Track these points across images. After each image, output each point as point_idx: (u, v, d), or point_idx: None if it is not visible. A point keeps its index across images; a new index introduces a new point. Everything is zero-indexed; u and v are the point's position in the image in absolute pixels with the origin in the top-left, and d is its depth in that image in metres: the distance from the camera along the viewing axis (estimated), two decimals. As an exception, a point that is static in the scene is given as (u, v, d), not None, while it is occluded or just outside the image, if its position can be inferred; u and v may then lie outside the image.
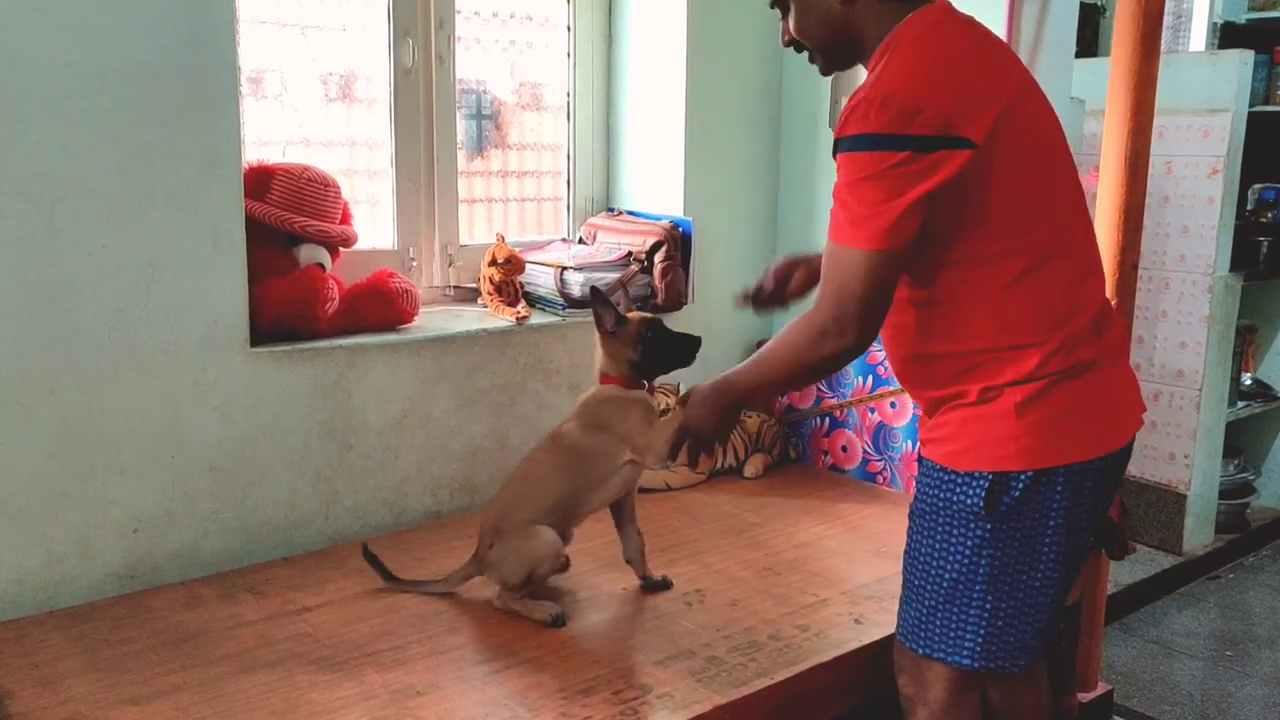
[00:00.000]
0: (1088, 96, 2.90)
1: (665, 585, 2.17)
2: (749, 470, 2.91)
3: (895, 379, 1.80)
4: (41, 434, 2.01)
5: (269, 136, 2.54)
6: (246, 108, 2.46)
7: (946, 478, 1.58)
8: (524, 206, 3.05)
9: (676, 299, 2.89)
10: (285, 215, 2.35)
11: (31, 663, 1.82)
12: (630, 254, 2.86)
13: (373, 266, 2.57)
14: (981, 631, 1.59)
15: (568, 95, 3.04)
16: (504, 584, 2.02)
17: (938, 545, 1.60)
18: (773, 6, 1.65)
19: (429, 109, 2.72)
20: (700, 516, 2.60)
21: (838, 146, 1.49)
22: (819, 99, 3.00)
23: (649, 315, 2.10)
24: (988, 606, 1.58)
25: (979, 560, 1.56)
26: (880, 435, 2.87)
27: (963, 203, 1.48)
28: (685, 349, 2.08)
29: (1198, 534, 3.63)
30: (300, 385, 2.32)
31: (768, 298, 2.01)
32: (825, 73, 1.69)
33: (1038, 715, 1.91)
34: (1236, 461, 3.85)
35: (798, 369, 1.62)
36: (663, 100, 2.95)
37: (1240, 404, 3.80)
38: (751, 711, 1.77)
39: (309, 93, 2.60)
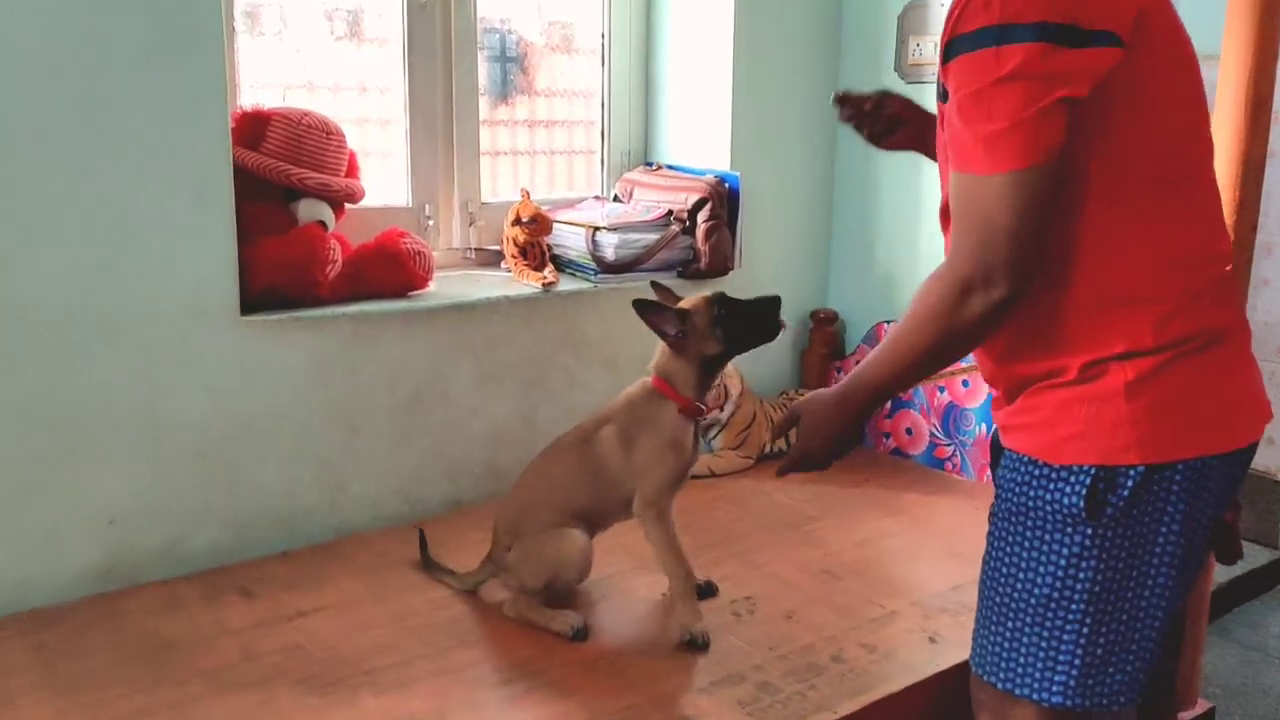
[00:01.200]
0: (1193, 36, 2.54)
1: (710, 592, 1.89)
2: None
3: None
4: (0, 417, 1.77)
5: (268, 79, 2.27)
6: (242, 46, 2.20)
7: (1038, 472, 1.28)
8: (553, 160, 2.76)
9: (722, 263, 2.59)
10: (281, 166, 2.08)
11: (-17, 678, 1.59)
12: (670, 213, 2.56)
13: (383, 225, 2.30)
14: (1078, 662, 1.30)
15: (602, 36, 2.73)
16: (522, 589, 1.76)
17: (1025, 556, 1.31)
18: None
19: (447, 50, 2.43)
20: (749, 508, 2.32)
21: (951, 50, 1.20)
22: (883, 38, 2.67)
23: (710, 294, 1.79)
24: (1085, 631, 1.29)
25: (1077, 574, 1.27)
26: (950, 417, 2.57)
27: (1098, 119, 1.18)
28: (766, 316, 1.76)
29: (1296, 525, 3.28)
30: (298, 359, 2.06)
31: (862, 113, 1.71)
32: None
33: None
34: (1339, 445, 3.48)
35: (942, 340, 1.28)
36: (708, 42, 2.63)
37: (1345, 382, 3.43)
38: (812, 753, 1.49)
39: (312, 30, 2.32)
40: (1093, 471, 1.24)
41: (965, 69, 1.18)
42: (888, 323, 2.67)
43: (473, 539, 2.07)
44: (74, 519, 1.86)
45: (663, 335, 1.74)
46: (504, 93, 2.65)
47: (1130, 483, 1.24)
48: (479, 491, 2.32)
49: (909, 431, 2.68)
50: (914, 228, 2.67)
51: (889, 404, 2.72)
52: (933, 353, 1.32)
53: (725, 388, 2.56)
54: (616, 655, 1.69)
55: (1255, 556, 3.23)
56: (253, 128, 2.10)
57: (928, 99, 2.59)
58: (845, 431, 1.46)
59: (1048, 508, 1.28)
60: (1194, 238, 1.27)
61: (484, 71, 2.54)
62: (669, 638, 1.73)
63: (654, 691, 1.58)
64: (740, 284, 2.67)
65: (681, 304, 1.79)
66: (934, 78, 2.66)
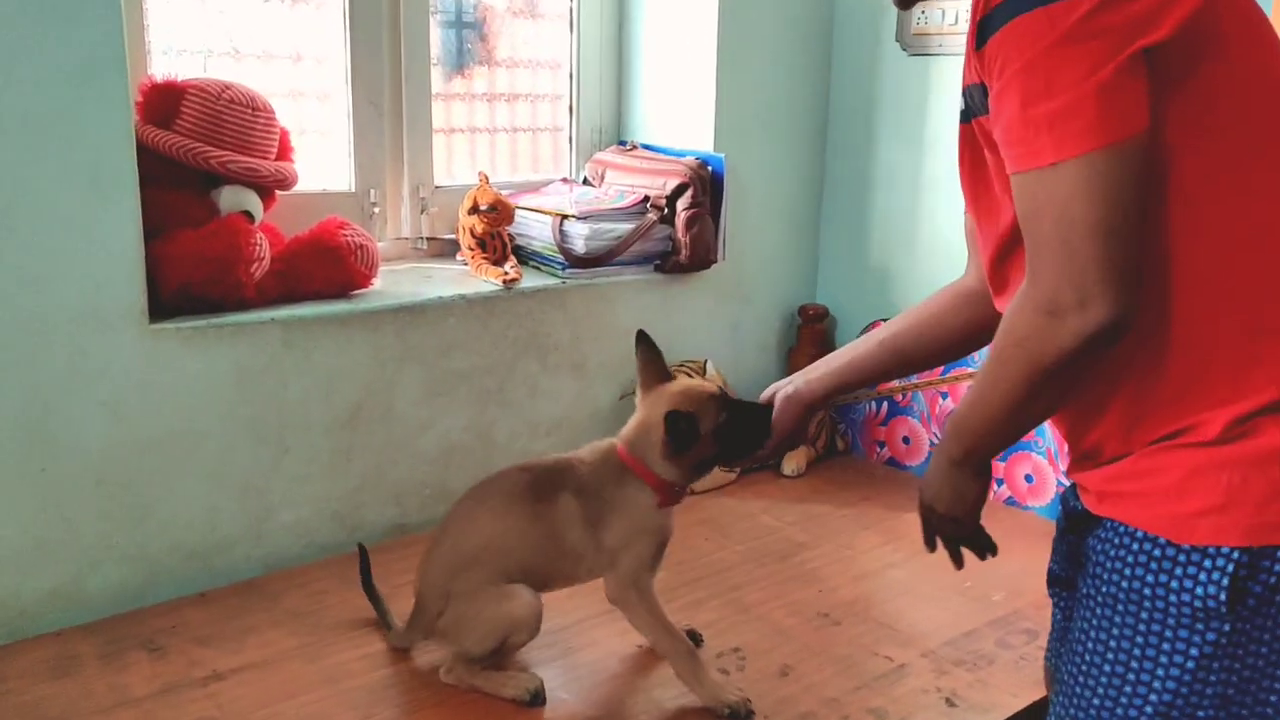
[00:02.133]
0: None
1: (695, 642, 1.65)
2: (789, 466, 2.38)
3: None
4: None
5: (184, 45, 1.97)
6: (152, 5, 1.90)
7: (1160, 554, 1.02)
8: (516, 138, 2.48)
9: (704, 255, 2.33)
10: (198, 147, 1.79)
11: None
12: (647, 199, 2.30)
13: (323, 212, 2.02)
14: None
15: (570, 0, 2.45)
16: (463, 655, 1.50)
17: (1139, 653, 1.04)
18: None
19: (395, 14, 2.14)
20: (732, 533, 2.08)
21: (990, 22, 0.94)
22: (884, 3, 2.41)
23: (711, 390, 1.50)
24: None
25: (1208, 676, 1.01)
26: (953, 427, 2.34)
27: (1184, 69, 0.94)
28: (761, 425, 1.47)
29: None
30: (219, 371, 1.78)
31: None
32: None
33: None
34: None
35: (1031, 385, 1.02)
36: (689, 7, 2.36)
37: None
38: None
39: (238, -12, 2.02)
40: (1235, 555, 0.98)
41: (1008, 41, 0.93)
42: (883, 319, 2.43)
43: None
44: (-54, 563, 1.58)
45: (679, 445, 1.46)
46: (460, 63, 2.36)
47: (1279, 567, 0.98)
48: (427, 515, 2.06)
49: (906, 440, 2.45)
50: (911, 218, 2.42)
51: (884, 408, 2.48)
52: (1024, 400, 1.05)
53: (706, 395, 2.31)
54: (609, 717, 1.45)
55: None
56: (164, 102, 1.81)
57: (931, 72, 2.36)
58: (969, 497, 1.20)
59: (1172, 596, 1.01)
60: None
61: (437, 39, 2.25)
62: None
63: (630, 779, 1.35)
64: (723, 278, 2.42)
65: (679, 397, 1.49)
66: (941, 49, 2.37)
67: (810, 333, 2.61)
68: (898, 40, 2.39)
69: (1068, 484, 1.20)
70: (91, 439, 1.67)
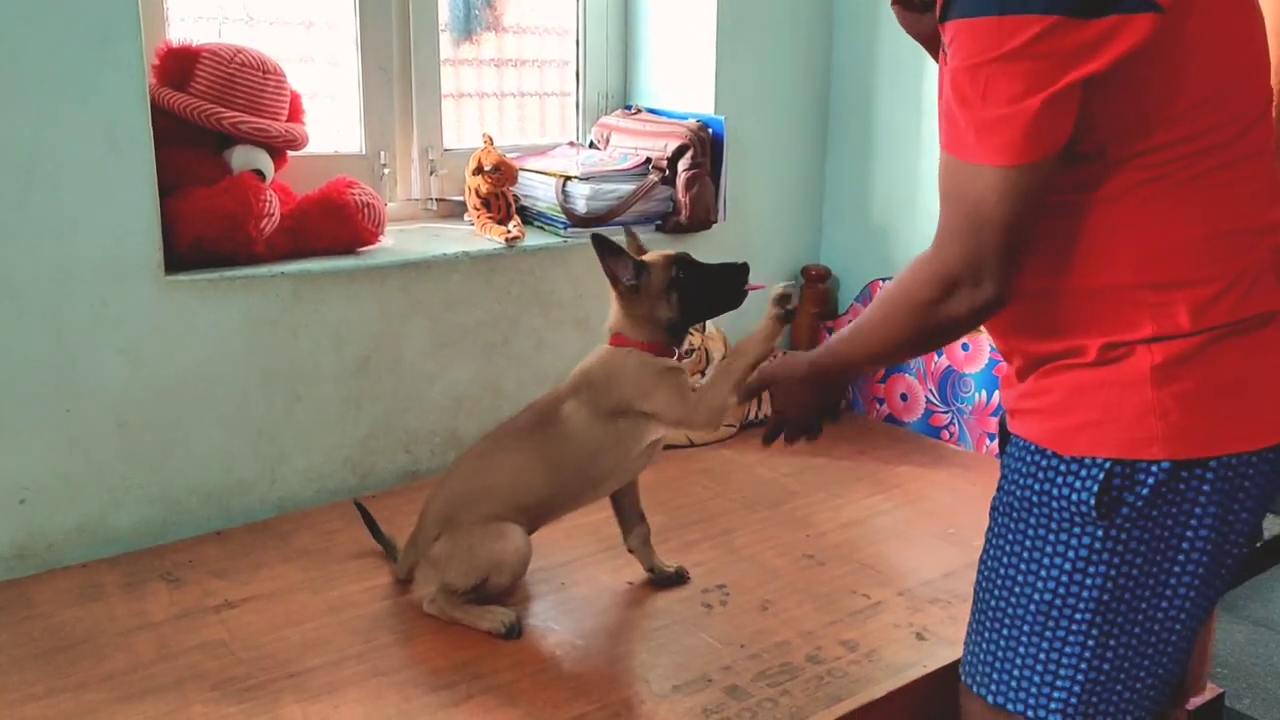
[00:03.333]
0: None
1: (680, 579, 1.73)
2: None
3: None
4: (-112, 385, 1.60)
5: (199, 11, 2.05)
6: (168, -27, 1.98)
7: (1046, 463, 1.12)
8: (523, 103, 2.55)
9: (704, 216, 2.39)
10: (210, 108, 1.88)
11: None
12: (649, 161, 2.36)
13: (335, 174, 2.10)
14: (1080, 677, 1.14)
15: (577, -33, 2.51)
16: (446, 587, 1.59)
17: (1026, 556, 1.15)
18: None
19: (403, -20, 2.21)
20: (729, 483, 2.15)
21: (948, 9, 1.01)
22: (883, -31, 2.45)
23: (673, 253, 1.63)
24: (1090, 644, 1.13)
25: (1084, 579, 1.11)
26: (948, 382, 2.39)
27: (1132, 89, 1.00)
28: (730, 285, 1.59)
29: (1311, 494, 3.12)
30: (232, 321, 1.88)
31: None
32: None
33: None
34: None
35: (919, 335, 1.16)
36: (691, -29, 2.41)
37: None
38: (780, 771, 1.34)
39: (251, -43, 2.10)
40: (1108, 465, 1.07)
41: (962, 37, 1.00)
42: (884, 279, 2.48)
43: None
44: (-20, 498, 1.70)
45: (614, 280, 1.58)
46: (468, 29, 2.43)
47: (1152, 480, 1.07)
48: (437, 462, 2.15)
49: (904, 397, 2.50)
50: (913, 179, 2.47)
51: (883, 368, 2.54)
52: (908, 344, 1.21)
53: (707, 350, 2.38)
54: (570, 655, 1.53)
55: (1268, 526, 3.07)
56: (179, 66, 1.90)
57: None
58: (816, 401, 1.39)
59: (1054, 503, 1.11)
60: (1244, 207, 1.07)
61: (445, 5, 2.32)
62: None
63: (608, 698, 1.42)
64: (725, 238, 2.48)
65: (644, 255, 1.62)
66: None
67: (813, 293, 2.66)
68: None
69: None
70: (113, 384, 1.78)
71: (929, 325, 1.13)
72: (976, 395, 2.33)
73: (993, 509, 1.22)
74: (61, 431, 1.74)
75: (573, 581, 1.73)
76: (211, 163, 1.91)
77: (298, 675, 1.46)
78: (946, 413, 2.40)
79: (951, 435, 2.40)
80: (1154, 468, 1.06)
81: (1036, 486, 1.13)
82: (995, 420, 2.30)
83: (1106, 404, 1.08)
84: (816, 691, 1.45)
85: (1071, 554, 1.11)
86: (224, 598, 1.66)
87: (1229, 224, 1.07)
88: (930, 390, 2.43)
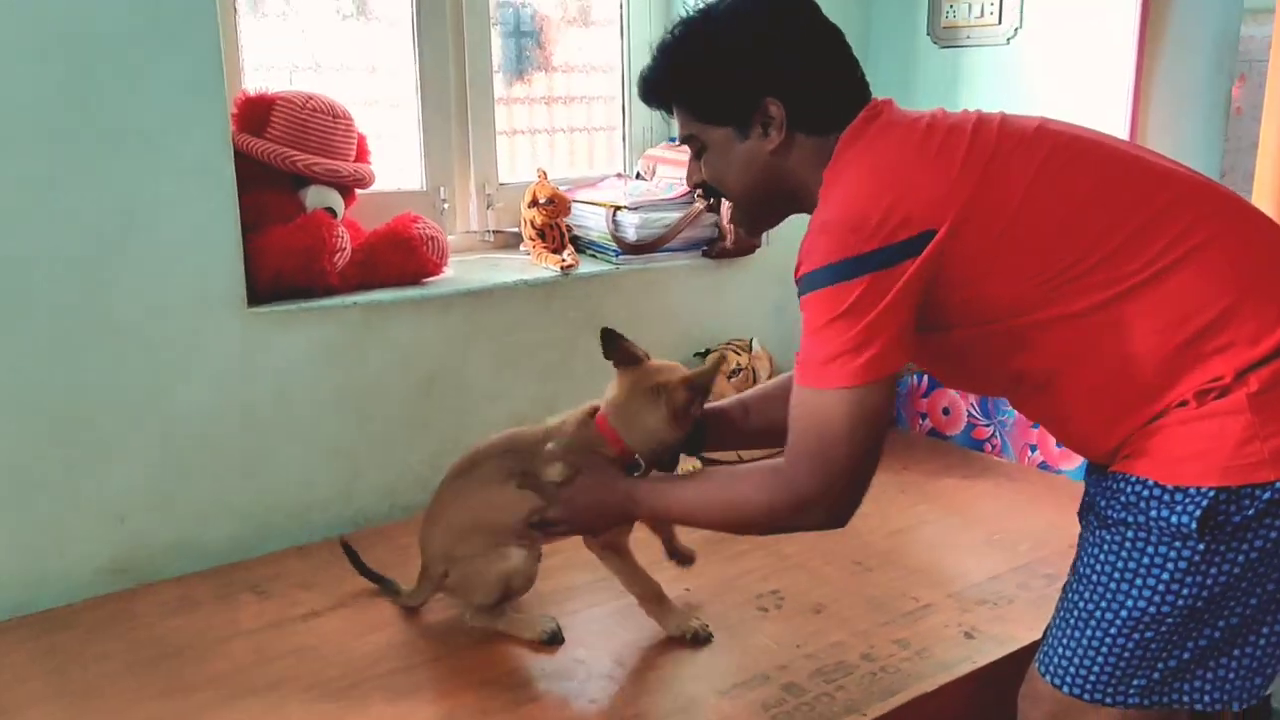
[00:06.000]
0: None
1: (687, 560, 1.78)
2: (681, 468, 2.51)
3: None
4: (3, 413, 1.73)
5: (273, 61, 2.20)
6: (245, 28, 2.13)
7: (1148, 493, 1.18)
8: (573, 138, 2.68)
9: (748, 242, 2.50)
10: (286, 152, 2.02)
11: (-9, 684, 1.57)
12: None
13: (398, 210, 2.23)
14: (1160, 665, 1.21)
15: (620, 7, 2.63)
16: (477, 607, 1.69)
17: (1123, 566, 1.20)
18: (682, 141, 1.42)
19: (459, 26, 2.35)
20: (777, 495, 2.24)
21: (799, 289, 1.22)
22: (914, 4, 2.55)
23: (693, 375, 1.56)
24: (1176, 637, 1.19)
25: (1180, 588, 1.17)
26: (990, 397, 2.46)
27: (995, 269, 1.21)
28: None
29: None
30: (309, 349, 2.01)
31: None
32: (750, 233, 1.53)
33: None
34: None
35: (744, 530, 1.45)
36: (730, 8, 2.52)
37: None
38: (839, 760, 1.42)
39: (318, 9, 2.25)
40: (1211, 494, 1.13)
41: (807, 308, 1.22)
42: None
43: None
44: (84, 516, 1.83)
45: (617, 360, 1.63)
46: (520, 69, 2.56)
47: (1263, 500, 1.12)
48: (500, 481, 2.26)
49: (946, 412, 2.58)
50: (949, 199, 2.56)
51: (925, 381, 2.61)
52: (732, 529, 1.44)
53: (754, 370, 2.47)
54: (635, 657, 1.63)
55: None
56: (256, 113, 2.04)
57: (962, 63, 2.49)
58: (603, 525, 1.57)
59: (1153, 524, 1.17)
60: (1204, 295, 1.16)
61: (498, 48, 2.45)
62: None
63: (673, 695, 1.52)
64: (767, 263, 2.58)
65: (658, 367, 1.61)
66: (969, 41, 2.54)
67: (854, 312, 2.75)
68: (928, 34, 2.53)
69: None
70: (203, 408, 1.91)
71: (753, 528, 1.38)
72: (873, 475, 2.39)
73: (1086, 526, 1.29)
74: (158, 453, 1.88)
75: (625, 593, 1.83)
76: (288, 202, 2.05)
77: (384, 676, 1.57)
78: (988, 425, 2.48)
79: (994, 448, 2.47)
80: (1261, 491, 1.11)
81: (1140, 507, 1.18)
82: (1036, 431, 2.38)
83: (1208, 435, 1.14)
84: (871, 687, 1.53)
85: (1171, 567, 1.16)
86: (310, 607, 1.78)
87: (1193, 324, 1.16)
88: (972, 404, 2.51)
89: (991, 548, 1.98)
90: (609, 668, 1.59)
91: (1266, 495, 1.11)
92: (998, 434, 2.46)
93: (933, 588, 1.83)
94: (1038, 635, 1.65)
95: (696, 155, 1.39)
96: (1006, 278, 1.19)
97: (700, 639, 1.64)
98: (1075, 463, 2.31)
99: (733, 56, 1.31)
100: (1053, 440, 2.35)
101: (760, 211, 1.41)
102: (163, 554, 1.91)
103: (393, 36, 2.32)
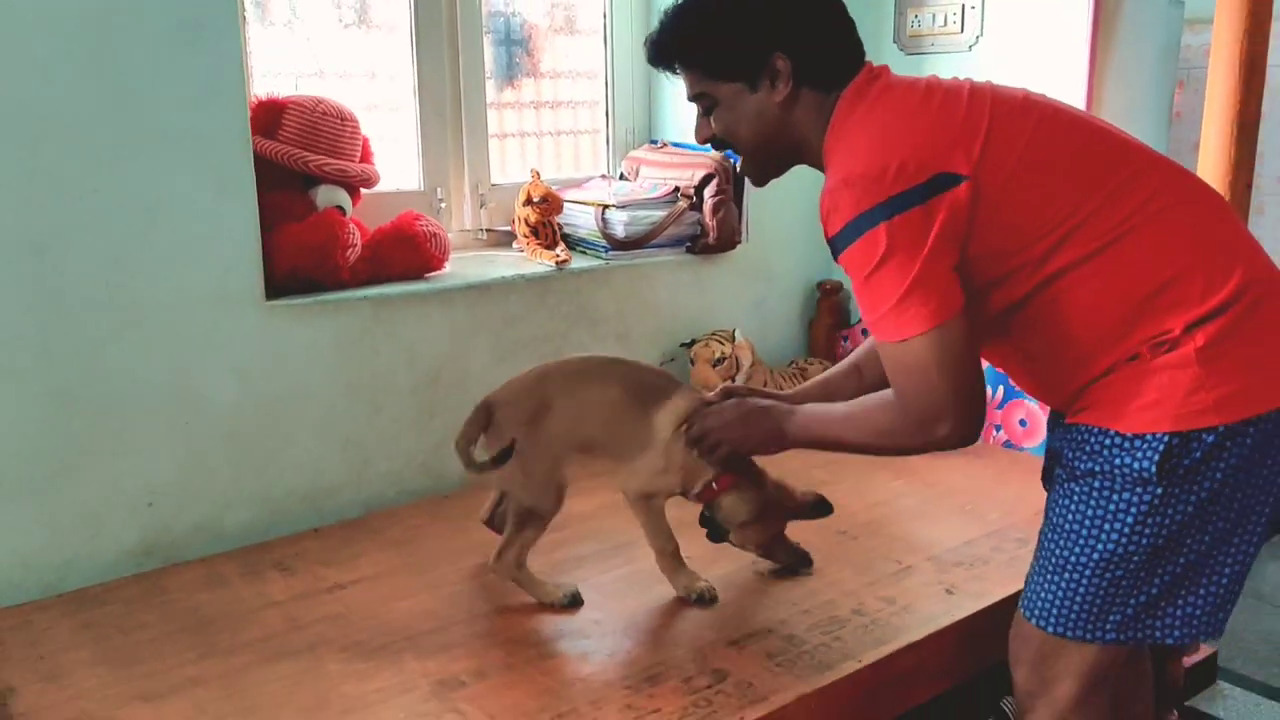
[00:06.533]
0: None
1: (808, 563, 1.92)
2: None
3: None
4: (37, 402, 1.82)
5: (279, 68, 2.31)
6: (253, 36, 2.23)
7: (1110, 441, 1.33)
8: (560, 141, 2.80)
9: (729, 237, 2.64)
10: (299, 153, 2.12)
11: (37, 654, 1.65)
12: (677, 189, 2.62)
13: (397, 209, 2.34)
14: (1133, 601, 1.35)
15: (604, 16, 2.77)
16: (511, 498, 1.79)
17: (1092, 514, 1.35)
18: (691, 99, 1.50)
19: (453, 34, 2.47)
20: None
21: (834, 249, 1.33)
22: (883, 11, 2.72)
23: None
24: (1143, 574, 1.34)
25: (1144, 528, 1.32)
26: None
27: (993, 225, 1.32)
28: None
29: (1292, 478, 3.36)
30: (322, 341, 2.11)
31: None
32: (757, 183, 1.58)
33: (1144, 695, 1.70)
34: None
35: (879, 451, 1.52)
36: (709, 18, 2.67)
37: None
38: (839, 700, 1.56)
39: (321, 18, 2.36)
40: (1166, 439, 1.27)
41: (852, 259, 1.31)
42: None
43: (498, 512, 2.14)
44: (113, 501, 1.91)
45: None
46: (510, 75, 2.69)
47: (1208, 443, 1.27)
48: (500, 466, 2.38)
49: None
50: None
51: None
52: (873, 451, 1.53)
53: (737, 359, 2.61)
54: (646, 617, 1.75)
55: (1254, 510, 3.29)
56: (269, 116, 2.14)
57: (927, 69, 2.66)
58: (756, 432, 1.65)
59: (1117, 471, 1.32)
60: (1167, 260, 1.30)
61: (490, 55, 2.57)
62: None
63: (685, 647, 1.65)
64: (749, 258, 2.73)
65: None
66: (934, 48, 2.72)
67: (828, 305, 2.91)
68: (895, 42, 2.69)
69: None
70: (224, 398, 2.00)
71: (885, 449, 1.47)
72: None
73: (1056, 480, 1.43)
74: (182, 442, 1.97)
75: (638, 556, 1.95)
76: (299, 201, 2.15)
77: (413, 638, 1.68)
78: (955, 408, 2.64)
79: (961, 428, 2.63)
80: (1207, 435, 1.26)
81: (1103, 456, 1.33)
82: (1001, 413, 2.55)
83: (1160, 386, 1.29)
84: (864, 637, 1.67)
85: (1134, 510, 1.31)
86: (334, 581, 1.88)
87: (1161, 277, 1.30)
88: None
89: (965, 516, 2.14)
90: (623, 626, 1.71)
91: (1211, 439, 1.26)
92: (965, 416, 2.62)
93: (913, 552, 1.98)
94: (1012, 591, 1.82)
95: (706, 112, 1.49)
96: (1006, 235, 1.31)
97: (706, 600, 1.77)
98: (1037, 440, 2.48)
99: (743, 15, 1.41)
100: (1016, 420, 2.52)
101: (768, 162, 1.51)
102: (186, 536, 2.00)
103: (392, 44, 2.44)
